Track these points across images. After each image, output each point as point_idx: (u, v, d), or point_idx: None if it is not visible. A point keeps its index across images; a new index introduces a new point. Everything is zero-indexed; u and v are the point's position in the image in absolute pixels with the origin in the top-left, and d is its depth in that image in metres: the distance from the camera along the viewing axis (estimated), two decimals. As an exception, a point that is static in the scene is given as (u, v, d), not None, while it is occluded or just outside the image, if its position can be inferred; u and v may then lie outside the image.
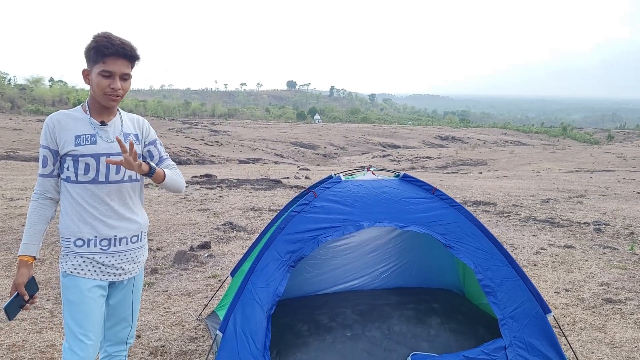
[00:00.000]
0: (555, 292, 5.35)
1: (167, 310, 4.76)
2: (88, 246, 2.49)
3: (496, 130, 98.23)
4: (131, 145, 2.30)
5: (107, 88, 2.42)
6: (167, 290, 5.27)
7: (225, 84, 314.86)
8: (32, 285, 2.45)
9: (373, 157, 55.09)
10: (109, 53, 2.38)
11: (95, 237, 2.49)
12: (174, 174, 2.67)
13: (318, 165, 42.11)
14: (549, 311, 3.48)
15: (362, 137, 75.13)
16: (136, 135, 2.66)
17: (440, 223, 3.52)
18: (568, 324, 4.55)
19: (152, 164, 2.49)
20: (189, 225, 8.34)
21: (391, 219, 3.48)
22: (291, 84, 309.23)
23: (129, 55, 2.43)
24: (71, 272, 2.48)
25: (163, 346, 4.00)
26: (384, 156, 56.10)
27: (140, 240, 2.69)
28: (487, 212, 10.14)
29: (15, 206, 9.74)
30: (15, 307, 2.40)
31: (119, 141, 2.29)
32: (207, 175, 16.84)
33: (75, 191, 2.47)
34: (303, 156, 59.70)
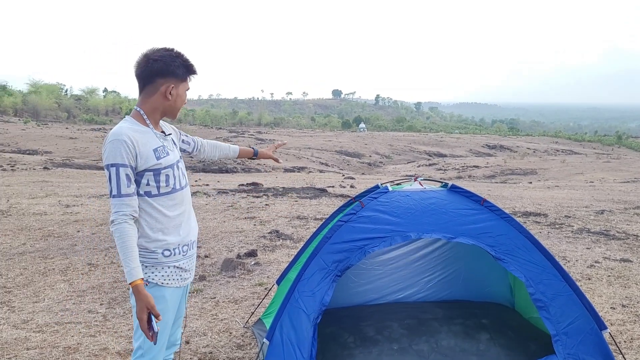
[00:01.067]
0: (611, 308, 5.14)
1: (215, 317, 4.82)
2: (174, 255, 2.53)
3: (546, 139, 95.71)
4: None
5: (184, 103, 2.59)
6: (214, 297, 5.34)
7: (272, 94, 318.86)
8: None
9: (419, 166, 54.55)
10: (193, 72, 2.56)
11: (179, 244, 2.54)
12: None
13: (363, 174, 41.96)
14: (605, 327, 3.35)
15: (407, 146, 74.58)
16: (173, 138, 2.74)
17: (490, 235, 3.44)
18: (625, 342, 4.36)
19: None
20: (236, 233, 8.45)
21: (439, 230, 3.43)
22: (337, 93, 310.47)
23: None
24: (162, 283, 2.49)
25: (211, 352, 4.05)
26: (430, 165, 55.47)
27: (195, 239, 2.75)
28: (537, 224, 9.86)
29: (71, 212, 10.10)
30: (155, 329, 2.33)
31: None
32: (253, 184, 17.05)
33: (158, 203, 2.47)
34: (348, 165, 59.68)
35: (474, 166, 48.75)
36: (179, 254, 2.54)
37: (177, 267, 2.54)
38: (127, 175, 2.36)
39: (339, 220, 3.49)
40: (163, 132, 2.62)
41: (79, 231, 8.37)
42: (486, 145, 77.58)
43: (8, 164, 25.65)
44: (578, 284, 5.35)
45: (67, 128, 69.59)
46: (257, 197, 13.33)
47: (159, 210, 2.47)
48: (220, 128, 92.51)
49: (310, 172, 39.97)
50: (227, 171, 33.60)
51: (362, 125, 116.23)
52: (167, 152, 2.52)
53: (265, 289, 5.47)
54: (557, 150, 72.50)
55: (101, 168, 31.88)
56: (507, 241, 3.44)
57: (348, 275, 4.33)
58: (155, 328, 2.31)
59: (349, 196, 12.84)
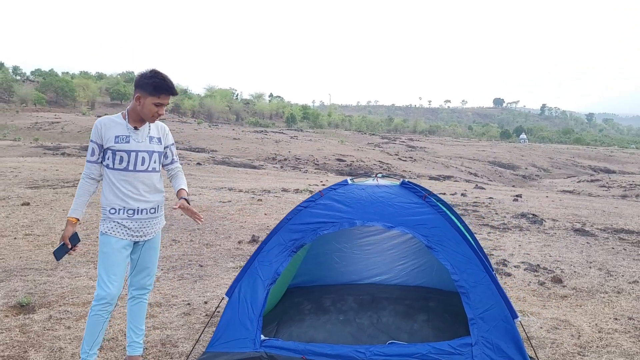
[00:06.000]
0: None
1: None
2: (118, 214, 3.51)
3: None
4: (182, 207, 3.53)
5: (155, 113, 3.48)
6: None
7: (429, 101, 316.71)
8: (75, 238, 3.53)
9: (579, 181, 50.56)
10: (164, 91, 3.43)
11: (124, 207, 3.51)
12: (185, 183, 3.84)
13: (513, 186, 40.17)
14: (516, 316, 3.61)
15: (569, 160, 69.47)
16: (159, 139, 3.66)
17: (425, 226, 3.88)
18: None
19: (186, 197, 3.64)
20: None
21: (382, 219, 3.95)
22: (498, 102, 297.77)
23: (174, 93, 3.48)
24: (106, 232, 3.51)
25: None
26: (591, 181, 51.12)
27: (157, 212, 3.66)
28: None
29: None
30: (62, 252, 3.47)
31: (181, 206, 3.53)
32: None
33: (112, 175, 3.50)
34: (500, 176, 57.38)
35: (646, 185, 44.05)
36: (123, 214, 3.48)
37: (120, 224, 3.47)
38: (92, 148, 3.48)
39: (299, 205, 4.18)
40: (136, 127, 3.55)
41: (180, 213, 9.85)
42: (667, 162, 69.29)
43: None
44: None
45: (233, 129, 75.79)
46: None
47: (111, 180, 3.48)
48: (373, 134, 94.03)
49: (455, 181, 39.49)
50: (371, 175, 34.62)
51: (522, 136, 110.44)
52: (127, 141, 3.47)
53: (205, 302, 5.23)
54: None
55: (254, 166, 34.91)
56: (440, 233, 3.85)
57: (332, 257, 4.95)
58: (64, 252, 3.45)
59: (459, 206, 12.96)
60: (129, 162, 3.49)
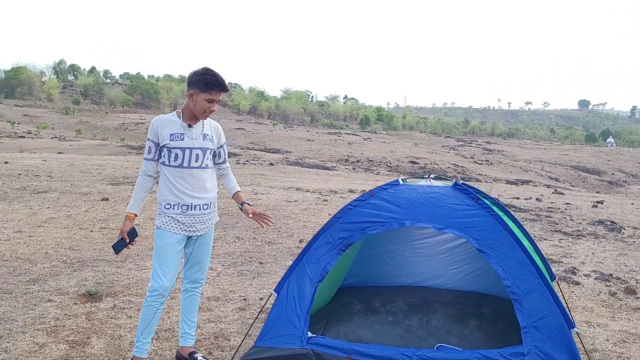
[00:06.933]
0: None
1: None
2: (173, 209, 3.65)
3: None
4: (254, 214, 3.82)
5: (207, 109, 3.58)
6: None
7: (509, 103, 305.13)
8: (132, 233, 3.69)
9: (671, 189, 47.36)
10: (215, 87, 3.53)
11: (178, 203, 3.64)
12: (237, 184, 4.04)
13: (598, 192, 38.22)
14: (573, 326, 3.41)
15: (662, 165, 65.14)
16: (211, 137, 3.76)
17: (477, 229, 3.75)
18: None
19: (247, 201, 3.89)
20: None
21: (432, 220, 3.86)
22: (583, 104, 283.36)
23: (226, 89, 3.58)
24: (161, 226, 3.66)
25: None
26: (687, 188, 47.79)
27: (210, 208, 3.77)
28: None
29: (255, 198, 12.02)
30: (121, 246, 3.63)
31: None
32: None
33: (167, 171, 3.64)
34: (583, 182, 54.72)
35: None
36: (177, 209, 3.59)
37: (174, 219, 3.60)
38: (149, 146, 3.62)
39: (349, 204, 4.16)
40: (190, 125, 3.67)
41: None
42: None
43: (246, 160, 30.12)
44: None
45: (307, 131, 76.67)
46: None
47: (167, 176, 3.61)
48: (448, 136, 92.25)
49: (534, 185, 37.99)
50: (445, 179, 34.01)
51: (610, 139, 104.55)
52: (182, 138, 3.59)
53: (261, 299, 5.40)
54: None
55: (326, 168, 35.22)
56: (492, 236, 3.71)
57: (384, 258, 4.90)
58: (122, 245, 3.61)
59: (532, 211, 12.42)
60: (183, 158, 3.61)
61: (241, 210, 3.88)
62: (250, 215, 3.82)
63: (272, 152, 46.76)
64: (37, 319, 4.58)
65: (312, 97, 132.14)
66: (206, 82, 3.51)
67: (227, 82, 3.64)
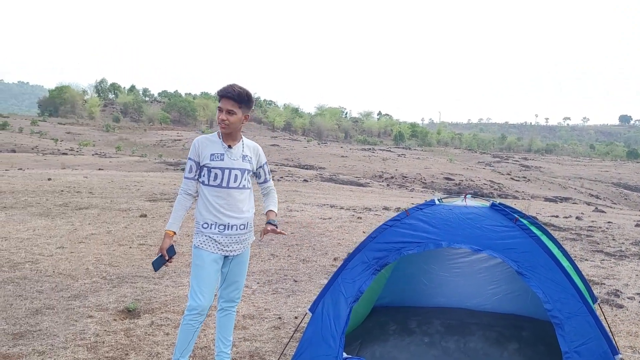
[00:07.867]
0: None
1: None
2: (210, 228, 3.70)
3: None
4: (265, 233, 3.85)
5: (218, 118, 3.67)
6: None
7: (547, 118, 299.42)
8: (171, 250, 3.76)
9: None
10: (223, 94, 3.63)
11: (215, 222, 3.70)
12: (275, 203, 4.07)
13: (640, 210, 37.04)
14: (617, 352, 3.30)
15: None
16: (250, 159, 3.82)
17: (516, 251, 3.68)
18: None
19: (274, 220, 3.89)
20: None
21: (469, 241, 3.81)
22: (625, 119, 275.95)
23: (232, 96, 3.61)
24: (199, 245, 3.71)
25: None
26: None
27: (246, 229, 3.81)
28: None
29: (289, 215, 12.07)
30: (160, 263, 3.69)
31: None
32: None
33: (206, 190, 3.70)
34: (625, 199, 53.12)
35: None
36: (215, 229, 3.64)
37: (211, 239, 3.64)
38: (190, 166, 3.70)
39: (385, 223, 4.15)
40: (230, 146, 3.74)
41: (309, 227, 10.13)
42: None
43: (281, 177, 30.33)
44: None
45: (341, 147, 76.70)
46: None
47: (205, 196, 3.67)
48: (484, 152, 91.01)
49: (574, 203, 37.07)
50: (481, 195, 33.52)
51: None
52: (222, 158, 3.65)
53: (296, 317, 5.40)
54: None
55: (360, 184, 35.15)
56: (531, 258, 3.63)
57: (419, 278, 4.84)
58: (161, 263, 3.64)
59: (571, 230, 12.13)
60: (222, 178, 3.67)
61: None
62: (262, 238, 4.02)
63: (306, 169, 46.94)
64: (78, 334, 4.69)
65: (346, 113, 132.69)
66: (218, 92, 3.63)
67: (249, 93, 3.67)
